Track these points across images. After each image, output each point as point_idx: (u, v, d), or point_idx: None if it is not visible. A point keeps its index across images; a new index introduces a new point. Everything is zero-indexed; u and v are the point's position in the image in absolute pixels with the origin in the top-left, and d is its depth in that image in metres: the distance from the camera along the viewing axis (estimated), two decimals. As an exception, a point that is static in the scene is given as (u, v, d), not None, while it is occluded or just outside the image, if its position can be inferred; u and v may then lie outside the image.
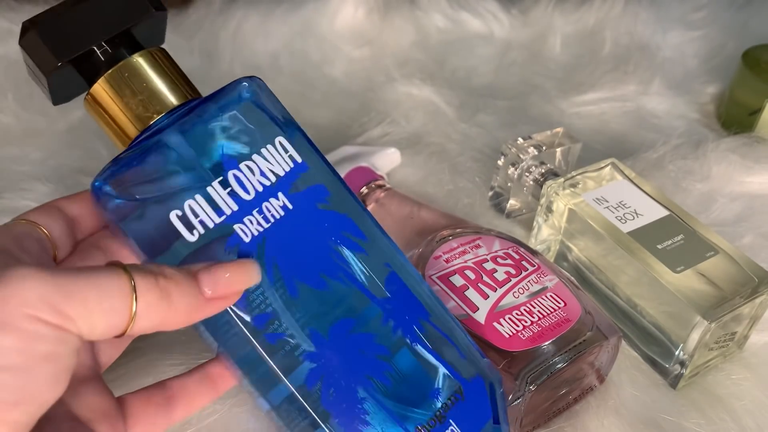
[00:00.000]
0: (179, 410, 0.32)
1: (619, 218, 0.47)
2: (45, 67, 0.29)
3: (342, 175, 0.52)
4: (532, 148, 0.53)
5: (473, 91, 0.73)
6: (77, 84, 0.31)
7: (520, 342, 0.38)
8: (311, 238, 0.30)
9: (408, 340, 0.31)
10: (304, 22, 0.77)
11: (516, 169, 0.54)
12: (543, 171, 0.53)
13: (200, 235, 0.28)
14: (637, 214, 0.47)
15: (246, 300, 0.29)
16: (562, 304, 0.40)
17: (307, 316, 0.29)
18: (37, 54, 0.29)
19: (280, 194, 0.30)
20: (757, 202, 0.58)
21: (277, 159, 0.30)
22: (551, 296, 0.41)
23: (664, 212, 0.48)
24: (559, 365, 0.37)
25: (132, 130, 0.30)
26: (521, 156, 0.53)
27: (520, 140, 0.54)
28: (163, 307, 0.25)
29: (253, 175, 0.30)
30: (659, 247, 0.45)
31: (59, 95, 0.31)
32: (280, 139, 0.31)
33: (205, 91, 0.33)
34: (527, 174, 0.54)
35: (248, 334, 0.29)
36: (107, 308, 0.24)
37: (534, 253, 0.44)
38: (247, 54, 0.73)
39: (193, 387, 0.33)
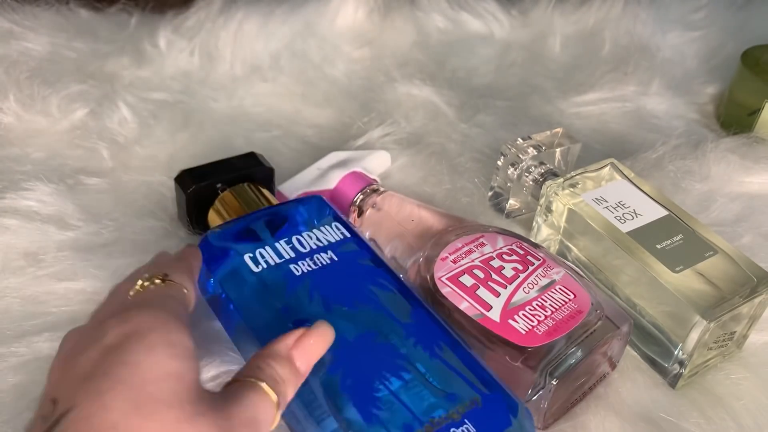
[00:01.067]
0: None
1: (619, 218, 0.47)
2: (187, 189, 0.49)
3: (335, 182, 0.53)
4: (531, 148, 0.53)
5: (473, 92, 0.73)
6: (203, 223, 0.50)
7: (537, 337, 0.38)
8: (350, 279, 0.40)
9: (428, 354, 0.36)
10: (305, 22, 0.77)
11: (515, 170, 0.54)
12: (542, 171, 0.54)
13: (263, 268, 0.40)
14: (636, 214, 0.47)
15: (290, 308, 0.38)
16: (572, 296, 0.41)
17: (337, 326, 0.35)
18: (185, 183, 0.49)
19: (329, 251, 0.42)
20: (756, 202, 0.58)
21: (331, 232, 0.43)
22: (560, 289, 0.41)
23: (664, 212, 0.48)
24: (578, 356, 0.38)
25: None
26: (521, 156, 0.53)
27: (520, 140, 0.54)
28: (285, 403, 0.31)
29: (311, 239, 0.43)
30: (658, 247, 0.45)
31: (195, 222, 0.50)
32: (336, 224, 0.44)
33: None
34: (527, 174, 0.54)
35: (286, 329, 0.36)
36: (268, 424, 0.29)
37: (536, 246, 0.45)
38: (247, 54, 0.73)
39: None
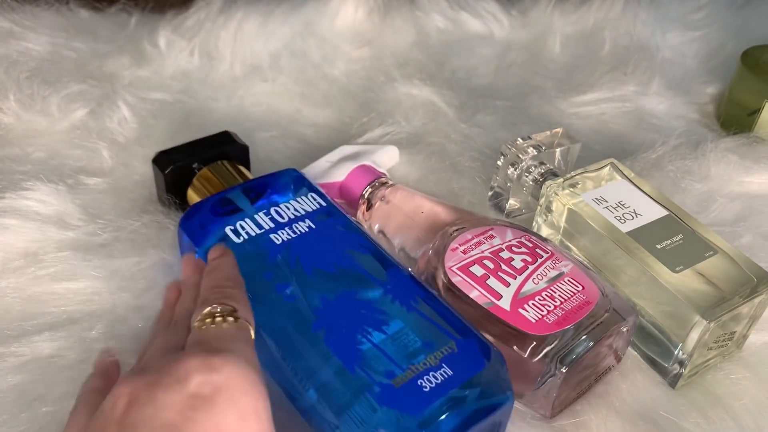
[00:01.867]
0: None
1: (619, 218, 0.47)
2: (165, 170, 0.51)
3: (344, 175, 0.53)
4: (531, 148, 0.53)
5: (473, 92, 0.73)
6: (182, 201, 0.53)
7: (547, 326, 0.39)
8: (329, 245, 0.43)
9: (405, 309, 0.39)
10: (305, 22, 0.77)
11: (515, 170, 0.54)
12: (542, 171, 0.54)
13: (244, 239, 0.43)
14: (636, 214, 0.47)
15: (273, 274, 0.40)
16: (581, 287, 0.42)
17: (319, 287, 0.40)
18: (162, 164, 0.51)
19: (307, 220, 0.45)
20: (756, 202, 0.58)
21: (308, 202, 0.46)
22: (569, 281, 0.42)
23: (663, 212, 0.48)
24: (587, 346, 0.39)
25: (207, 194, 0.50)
26: (521, 156, 0.53)
27: (520, 140, 0.54)
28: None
29: (289, 210, 0.45)
30: (658, 246, 0.45)
31: (174, 202, 0.52)
32: (311, 194, 0.47)
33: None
34: (527, 174, 0.54)
35: (271, 293, 0.39)
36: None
37: (544, 240, 0.45)
38: (247, 54, 0.74)
39: None
